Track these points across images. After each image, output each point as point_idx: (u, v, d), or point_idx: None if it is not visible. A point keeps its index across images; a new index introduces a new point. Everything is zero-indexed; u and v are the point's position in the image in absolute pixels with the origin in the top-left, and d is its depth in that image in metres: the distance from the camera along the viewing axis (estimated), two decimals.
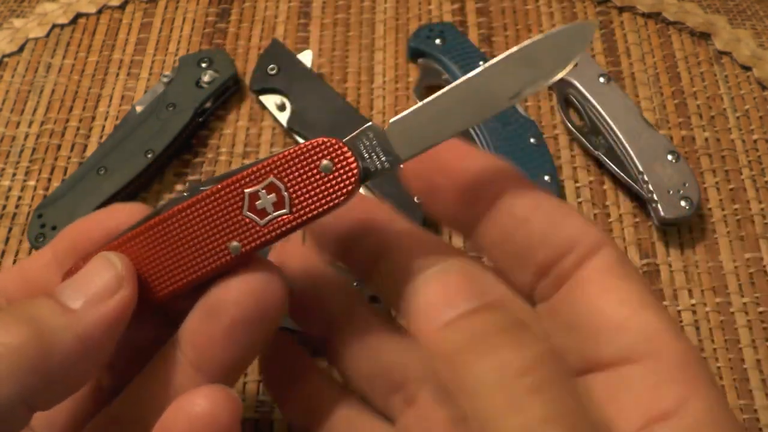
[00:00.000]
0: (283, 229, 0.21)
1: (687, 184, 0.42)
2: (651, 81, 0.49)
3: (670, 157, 0.43)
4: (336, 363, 0.26)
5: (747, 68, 0.49)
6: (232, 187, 0.21)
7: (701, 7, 0.52)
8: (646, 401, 0.18)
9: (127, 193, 0.43)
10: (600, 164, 0.45)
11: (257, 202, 0.21)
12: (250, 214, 0.21)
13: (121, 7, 0.52)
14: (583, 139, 0.45)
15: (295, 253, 0.27)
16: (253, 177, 0.21)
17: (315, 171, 0.21)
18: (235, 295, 0.21)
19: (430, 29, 0.48)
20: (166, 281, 0.22)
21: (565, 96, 0.47)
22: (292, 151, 0.21)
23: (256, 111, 0.48)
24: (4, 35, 0.51)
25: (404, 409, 0.24)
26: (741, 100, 0.48)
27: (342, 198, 0.21)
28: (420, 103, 0.21)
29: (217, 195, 0.21)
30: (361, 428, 0.25)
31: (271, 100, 0.46)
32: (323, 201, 0.21)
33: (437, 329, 0.19)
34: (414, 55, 0.49)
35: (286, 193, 0.21)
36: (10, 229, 0.43)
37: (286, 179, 0.21)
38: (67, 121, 0.47)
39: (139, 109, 0.46)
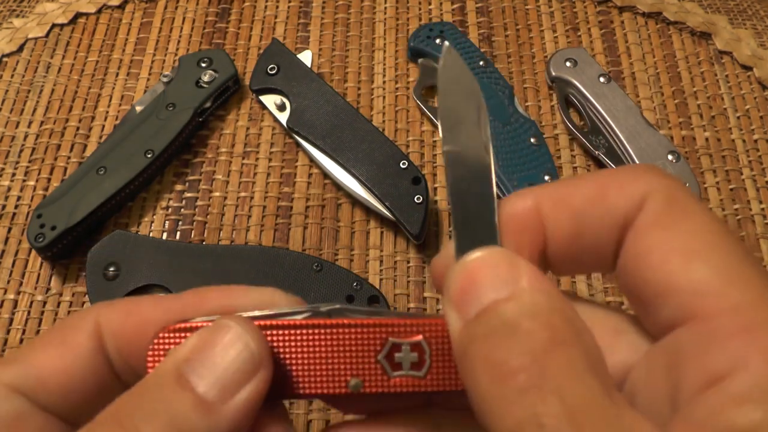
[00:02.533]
0: (409, 389, 0.21)
1: (687, 184, 0.42)
2: (651, 81, 0.48)
3: (670, 156, 0.43)
4: None
5: (747, 68, 0.49)
6: (379, 329, 0.21)
7: (702, 6, 0.52)
8: (698, 366, 0.17)
9: (126, 193, 0.43)
10: (600, 164, 0.45)
11: (397, 354, 0.20)
12: (385, 361, 0.21)
13: (121, 7, 0.52)
14: (583, 139, 0.44)
15: None
16: (403, 329, 0.20)
17: None
18: None
19: (430, 29, 0.48)
20: (274, 387, 0.21)
21: (566, 96, 0.47)
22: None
23: (256, 111, 0.48)
24: (3, 35, 0.51)
25: None
26: (741, 99, 0.48)
27: None
28: None
29: (361, 329, 0.21)
30: None
31: (271, 100, 0.45)
32: (455, 382, 0.20)
33: (461, 328, 0.18)
34: (414, 55, 0.49)
35: (428, 359, 0.20)
36: (9, 229, 0.43)
37: (434, 345, 0.20)
38: (67, 121, 0.47)
39: (138, 109, 0.45)
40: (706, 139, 0.46)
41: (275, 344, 0.21)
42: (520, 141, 0.44)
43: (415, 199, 0.41)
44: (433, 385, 0.20)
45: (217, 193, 0.45)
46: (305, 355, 0.21)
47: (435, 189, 0.45)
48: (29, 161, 0.46)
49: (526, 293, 0.18)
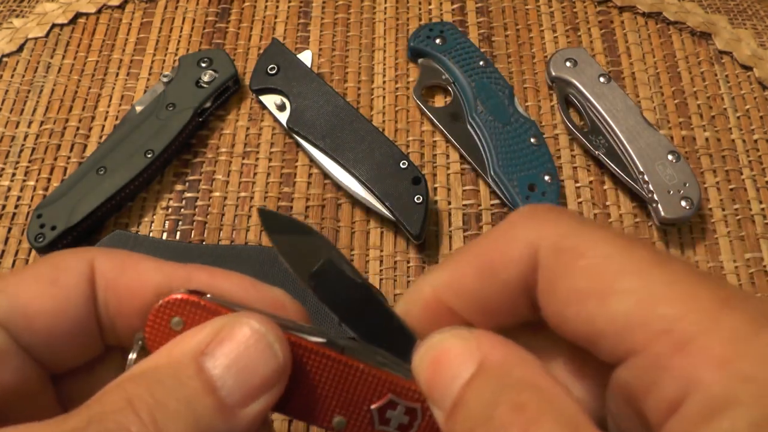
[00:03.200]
0: None
1: (687, 184, 0.42)
2: (651, 81, 0.48)
3: (670, 157, 0.43)
4: None
5: (747, 68, 0.49)
6: (385, 383, 0.20)
7: (702, 6, 0.52)
8: (653, 399, 0.17)
9: (126, 193, 0.43)
10: (600, 164, 0.45)
11: (390, 410, 0.20)
12: (376, 413, 0.20)
13: (121, 7, 0.52)
14: (583, 139, 0.44)
15: None
16: (407, 392, 0.20)
17: None
18: None
19: (430, 29, 0.48)
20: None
21: (566, 96, 0.47)
22: None
23: (256, 111, 0.48)
24: (3, 35, 0.51)
25: None
26: (741, 99, 0.48)
27: None
28: None
29: (368, 376, 0.20)
30: None
31: (271, 100, 0.45)
32: None
33: (445, 422, 0.18)
34: (414, 55, 0.49)
35: (416, 427, 0.20)
36: (9, 229, 0.43)
37: (428, 418, 0.20)
38: (67, 121, 0.47)
39: (138, 109, 0.45)
40: (706, 139, 0.46)
41: None
42: (520, 141, 0.44)
43: (415, 199, 0.41)
44: None
45: (217, 193, 0.45)
46: (303, 379, 0.20)
47: (435, 189, 0.45)
48: (29, 161, 0.46)
49: (487, 368, 0.18)
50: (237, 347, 0.18)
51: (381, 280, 0.41)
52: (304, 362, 0.20)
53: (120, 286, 0.20)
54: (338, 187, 0.44)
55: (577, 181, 0.45)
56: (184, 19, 0.52)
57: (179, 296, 0.20)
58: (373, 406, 0.20)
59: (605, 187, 0.45)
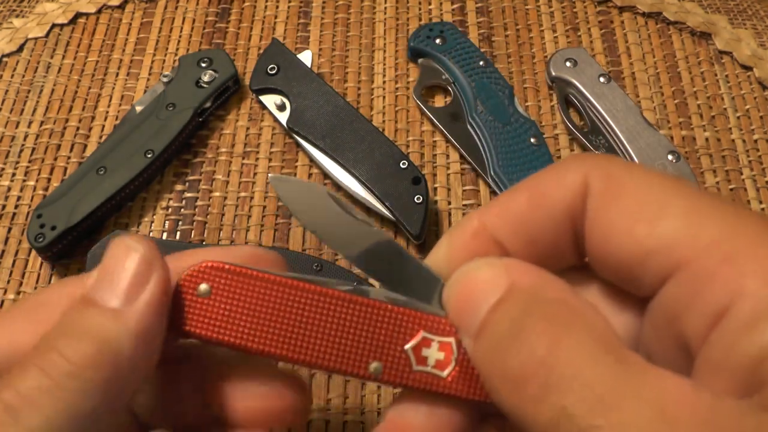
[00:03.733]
0: (428, 387, 0.20)
1: None
2: (651, 81, 0.48)
3: (670, 156, 0.43)
4: None
5: (747, 68, 0.49)
6: (415, 319, 0.20)
7: (702, 6, 0.52)
8: (696, 311, 0.17)
9: (126, 193, 0.43)
10: None
11: (424, 349, 0.20)
12: (411, 352, 0.20)
13: (121, 7, 0.52)
14: (583, 139, 0.44)
15: None
16: (438, 325, 0.20)
17: None
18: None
19: (430, 29, 0.48)
20: (275, 342, 0.21)
21: (566, 96, 0.47)
22: None
23: (256, 111, 0.48)
24: (3, 35, 0.51)
25: None
26: (741, 100, 0.48)
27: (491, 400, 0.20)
28: None
29: (396, 316, 0.20)
30: None
31: (271, 100, 0.45)
32: (478, 392, 0.20)
33: (472, 345, 0.19)
34: (414, 55, 0.49)
35: (454, 362, 0.20)
36: (9, 229, 0.43)
37: (463, 351, 0.20)
38: (67, 121, 0.47)
39: (138, 109, 0.45)
40: (706, 139, 0.46)
41: (309, 310, 0.20)
42: (520, 141, 0.44)
43: (415, 199, 0.41)
44: (452, 388, 0.20)
45: (217, 193, 0.45)
46: (336, 329, 0.20)
47: (435, 189, 0.45)
48: (29, 161, 0.46)
49: (516, 290, 0.18)
50: (109, 267, 0.20)
51: None
52: (332, 311, 0.20)
53: None
54: (338, 187, 0.44)
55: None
56: (184, 19, 0.52)
57: (203, 265, 0.21)
58: (407, 346, 0.20)
59: None
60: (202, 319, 0.21)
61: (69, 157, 0.46)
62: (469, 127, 0.45)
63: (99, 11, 0.52)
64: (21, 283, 0.42)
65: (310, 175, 0.45)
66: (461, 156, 0.45)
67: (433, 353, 0.20)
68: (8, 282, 0.42)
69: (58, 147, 0.46)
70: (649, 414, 0.15)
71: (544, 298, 0.18)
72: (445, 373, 0.20)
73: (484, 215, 0.21)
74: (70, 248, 0.42)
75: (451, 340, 0.20)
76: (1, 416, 0.18)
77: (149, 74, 0.49)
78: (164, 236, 0.43)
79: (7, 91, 0.49)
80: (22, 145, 0.46)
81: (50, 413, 0.18)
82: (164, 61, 0.50)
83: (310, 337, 0.20)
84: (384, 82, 0.49)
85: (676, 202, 0.18)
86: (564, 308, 0.17)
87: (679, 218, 0.18)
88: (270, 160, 0.46)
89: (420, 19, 0.51)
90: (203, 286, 0.21)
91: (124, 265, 0.20)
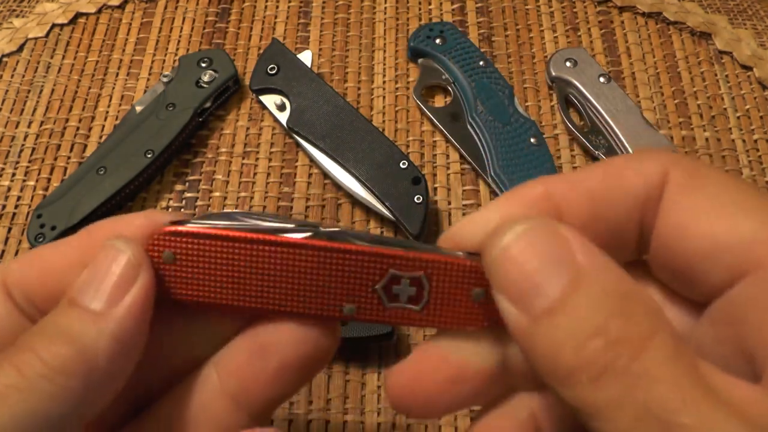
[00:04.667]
0: (404, 322, 0.21)
1: None
2: (651, 81, 0.48)
3: None
4: None
5: (747, 68, 0.49)
6: (381, 259, 0.20)
7: (702, 6, 0.52)
8: None
9: (126, 193, 0.43)
10: None
11: (395, 286, 0.20)
12: (382, 291, 0.20)
13: (121, 7, 0.52)
14: (583, 139, 0.44)
15: None
16: (404, 262, 0.20)
17: (466, 291, 0.20)
18: (289, 339, 0.21)
19: (430, 29, 0.48)
20: (243, 296, 0.21)
21: (566, 96, 0.47)
22: (454, 261, 0.20)
23: (256, 111, 0.48)
24: (3, 35, 0.51)
25: None
26: (741, 100, 0.48)
27: (473, 327, 0.21)
28: None
29: (362, 257, 0.20)
30: None
31: (271, 100, 0.45)
32: (455, 320, 0.20)
33: (529, 325, 0.17)
34: (414, 55, 0.49)
35: (426, 295, 0.20)
36: (9, 229, 0.43)
37: (435, 283, 0.20)
38: (67, 121, 0.47)
39: (138, 109, 0.45)
40: (706, 139, 0.46)
41: (272, 260, 0.20)
42: (520, 141, 0.44)
43: (415, 199, 0.41)
44: (428, 321, 0.21)
45: (217, 193, 0.45)
46: (302, 276, 0.20)
47: (435, 189, 0.45)
48: (29, 161, 0.46)
49: (589, 275, 0.17)
50: (96, 268, 0.20)
51: None
52: (295, 259, 0.20)
53: (30, 277, 0.22)
54: (338, 187, 0.44)
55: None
56: (184, 19, 0.52)
57: (162, 230, 0.20)
58: (377, 286, 0.20)
59: None
60: (173, 285, 0.21)
61: (69, 157, 0.46)
62: (469, 127, 0.45)
63: (99, 11, 0.52)
64: None
65: (310, 174, 0.45)
66: (461, 156, 0.45)
67: (405, 289, 0.20)
68: None
69: (58, 147, 0.46)
70: (729, 417, 0.15)
71: (620, 290, 0.17)
72: (419, 306, 0.21)
73: (552, 183, 0.20)
74: None
75: (420, 274, 0.20)
76: None
77: (149, 74, 0.49)
78: None
79: (7, 91, 0.49)
80: (22, 145, 0.46)
81: (18, 411, 0.18)
82: (164, 61, 0.50)
83: (278, 287, 0.20)
84: (384, 82, 0.49)
85: (758, 204, 0.18)
86: (641, 306, 0.17)
87: (761, 220, 0.17)
88: (270, 160, 0.46)
89: (420, 19, 0.51)
90: (167, 253, 0.20)
91: (110, 268, 0.20)
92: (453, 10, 0.52)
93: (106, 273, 0.20)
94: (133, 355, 0.21)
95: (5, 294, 0.22)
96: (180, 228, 0.20)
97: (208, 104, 0.46)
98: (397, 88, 0.48)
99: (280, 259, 0.20)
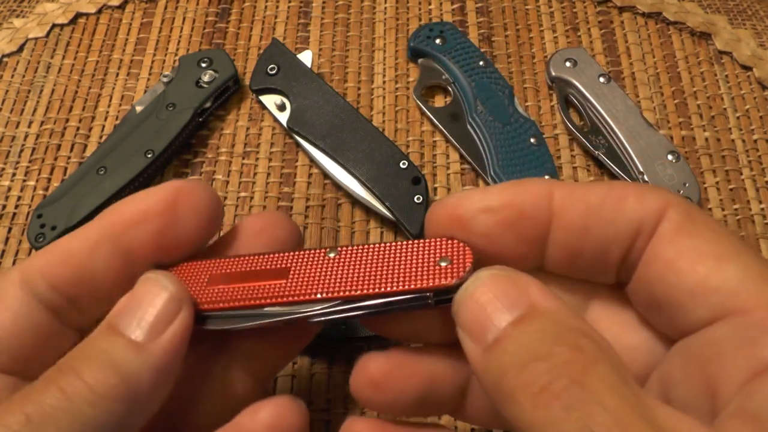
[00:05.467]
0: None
1: (687, 184, 0.42)
2: (651, 81, 0.48)
3: (670, 156, 0.43)
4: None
5: (747, 68, 0.49)
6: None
7: (701, 6, 0.52)
8: (742, 358, 0.17)
9: (127, 193, 0.43)
10: (600, 164, 0.45)
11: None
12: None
13: (121, 7, 0.52)
14: (583, 139, 0.44)
15: None
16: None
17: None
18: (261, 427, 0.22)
19: (430, 29, 0.48)
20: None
21: (565, 96, 0.47)
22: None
23: (255, 111, 0.48)
24: (3, 35, 0.51)
25: None
26: (741, 100, 0.48)
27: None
28: None
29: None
30: None
31: (271, 100, 0.45)
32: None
33: (482, 354, 0.19)
34: (414, 55, 0.49)
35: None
36: (9, 229, 0.43)
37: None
38: (67, 121, 0.47)
39: (139, 109, 0.46)
40: (706, 139, 0.46)
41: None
42: (520, 141, 0.44)
43: (415, 199, 0.41)
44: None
45: (218, 193, 0.45)
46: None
47: (435, 189, 0.45)
48: (29, 161, 0.46)
49: (540, 312, 0.18)
50: (138, 299, 0.21)
51: None
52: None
53: (53, 266, 0.22)
54: (338, 187, 0.44)
55: (577, 181, 0.45)
56: (184, 19, 0.52)
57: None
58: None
59: None
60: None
61: (69, 157, 0.46)
62: (469, 127, 0.45)
63: (99, 11, 0.52)
64: None
65: (310, 174, 0.45)
66: (461, 156, 0.45)
67: None
68: None
69: (58, 147, 0.46)
70: None
71: (569, 325, 0.18)
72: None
73: (555, 186, 0.21)
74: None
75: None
76: (23, 428, 0.18)
77: (149, 74, 0.49)
78: None
79: (7, 91, 0.49)
80: (22, 145, 0.46)
81: None
82: (164, 61, 0.50)
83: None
84: (384, 82, 0.49)
85: (743, 256, 0.19)
86: (589, 340, 0.18)
87: (746, 270, 0.18)
88: (270, 160, 0.46)
89: (420, 19, 0.51)
90: None
91: (153, 301, 0.21)
92: (453, 10, 0.52)
93: (149, 305, 0.21)
94: (169, 384, 0.21)
95: (25, 290, 0.22)
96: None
97: (208, 104, 0.46)
98: (397, 88, 0.48)
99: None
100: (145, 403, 0.20)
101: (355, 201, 0.43)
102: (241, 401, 0.23)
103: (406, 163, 0.42)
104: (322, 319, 0.22)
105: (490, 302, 0.19)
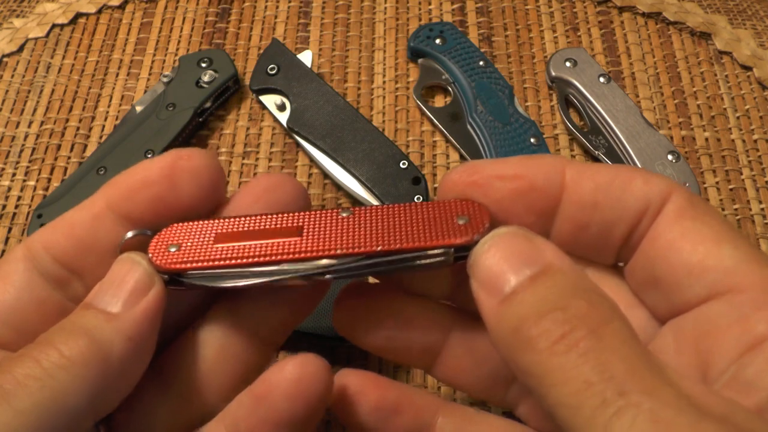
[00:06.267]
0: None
1: (687, 184, 0.42)
2: (651, 81, 0.48)
3: (670, 156, 0.43)
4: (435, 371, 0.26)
5: (747, 68, 0.49)
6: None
7: (701, 6, 0.52)
8: (737, 332, 0.18)
9: None
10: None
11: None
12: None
13: (121, 7, 0.52)
14: (583, 139, 0.44)
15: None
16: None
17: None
18: (285, 387, 0.22)
19: (430, 29, 0.48)
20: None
21: (566, 96, 0.47)
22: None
23: (256, 111, 0.48)
24: (4, 35, 0.51)
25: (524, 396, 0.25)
26: (741, 100, 0.48)
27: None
28: None
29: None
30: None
31: (271, 100, 0.45)
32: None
33: (498, 305, 0.19)
34: (414, 55, 0.49)
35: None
36: (9, 229, 0.43)
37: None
38: (67, 121, 0.47)
39: (139, 108, 0.46)
40: (706, 139, 0.46)
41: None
42: (520, 141, 0.44)
43: (415, 199, 0.41)
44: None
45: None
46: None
47: (435, 189, 0.45)
48: (29, 161, 0.46)
49: (556, 270, 0.19)
50: (108, 275, 0.22)
51: None
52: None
53: (57, 238, 0.23)
54: (338, 187, 0.44)
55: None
56: (184, 19, 0.52)
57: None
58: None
59: None
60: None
61: (69, 157, 0.46)
62: (469, 127, 0.45)
63: (99, 11, 0.52)
64: None
65: (310, 174, 0.45)
66: (461, 156, 0.45)
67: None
68: None
69: (58, 147, 0.46)
70: (679, 398, 0.16)
71: (583, 284, 0.19)
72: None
73: (569, 164, 0.22)
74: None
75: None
76: None
77: (149, 74, 0.49)
78: None
79: (7, 91, 0.49)
80: (22, 145, 0.46)
81: (36, 400, 0.19)
82: (164, 61, 0.50)
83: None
84: (384, 82, 0.49)
85: (741, 239, 0.20)
86: (603, 298, 0.19)
87: (744, 252, 0.19)
88: (270, 160, 0.46)
89: (420, 19, 0.51)
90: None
91: (126, 276, 0.21)
92: (453, 10, 0.52)
93: (122, 280, 0.21)
94: (144, 358, 0.22)
95: (29, 265, 0.23)
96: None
97: (208, 104, 0.46)
98: (397, 88, 0.48)
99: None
100: (117, 372, 0.20)
101: (355, 201, 0.43)
102: (254, 369, 0.24)
103: (406, 163, 0.42)
104: (339, 276, 0.21)
105: (508, 258, 0.20)
